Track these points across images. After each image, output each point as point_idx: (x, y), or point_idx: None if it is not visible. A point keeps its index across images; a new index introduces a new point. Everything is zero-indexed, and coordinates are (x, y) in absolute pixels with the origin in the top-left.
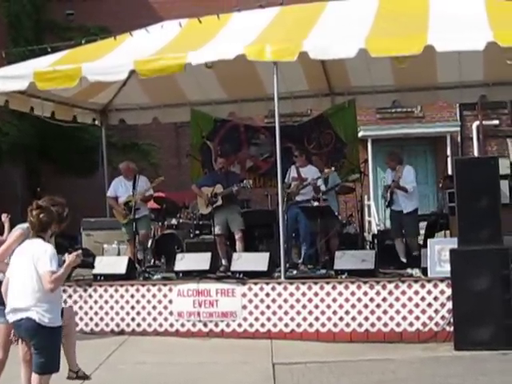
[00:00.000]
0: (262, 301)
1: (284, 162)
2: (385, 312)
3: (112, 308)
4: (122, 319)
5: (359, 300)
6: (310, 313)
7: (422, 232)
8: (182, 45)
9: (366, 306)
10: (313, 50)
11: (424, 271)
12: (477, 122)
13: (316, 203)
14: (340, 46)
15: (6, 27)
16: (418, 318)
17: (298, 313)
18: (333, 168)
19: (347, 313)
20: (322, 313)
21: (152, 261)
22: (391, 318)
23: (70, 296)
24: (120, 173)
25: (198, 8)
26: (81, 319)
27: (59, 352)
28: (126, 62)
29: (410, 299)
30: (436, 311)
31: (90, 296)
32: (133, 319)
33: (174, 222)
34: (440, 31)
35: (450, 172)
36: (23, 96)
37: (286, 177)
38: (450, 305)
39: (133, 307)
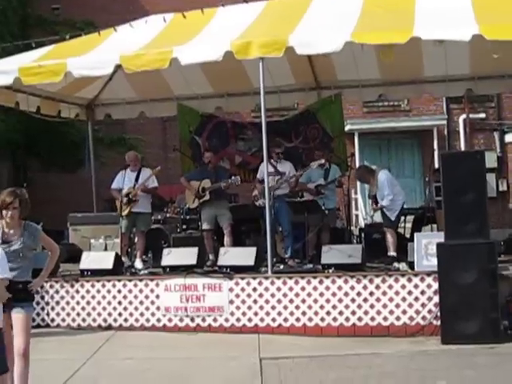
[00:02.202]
0: (248, 295)
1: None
2: (372, 306)
3: (99, 303)
4: (109, 314)
5: (346, 294)
6: (297, 307)
7: (409, 226)
8: (168, 40)
9: (353, 300)
10: (299, 45)
11: (411, 265)
12: (463, 116)
13: (305, 198)
14: (326, 41)
15: None
16: (405, 311)
17: (285, 307)
18: (323, 160)
19: (334, 307)
20: (309, 307)
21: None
22: (378, 312)
23: (56, 291)
24: (109, 167)
25: (184, 2)
26: (68, 315)
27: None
28: (111, 57)
29: (396, 293)
30: (423, 305)
31: (77, 291)
32: (120, 314)
33: (160, 216)
34: (426, 25)
35: (436, 165)
36: (9, 91)
37: (259, 173)
38: (436, 299)
39: (120, 302)
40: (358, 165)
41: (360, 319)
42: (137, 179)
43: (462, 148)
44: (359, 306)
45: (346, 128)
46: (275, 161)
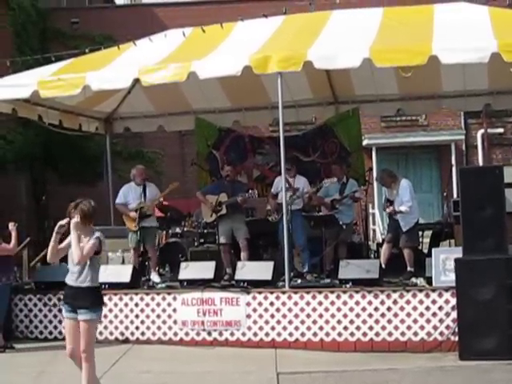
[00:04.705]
0: (266, 310)
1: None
2: (389, 321)
3: (116, 316)
4: (127, 328)
5: (364, 309)
6: (315, 322)
7: (427, 241)
8: (186, 54)
9: (370, 315)
10: (317, 59)
11: (429, 280)
12: (481, 131)
13: (322, 212)
14: (345, 56)
15: (12, 36)
16: (422, 327)
17: (303, 322)
18: (334, 178)
19: (352, 322)
20: (327, 322)
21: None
22: (396, 328)
23: None
24: (127, 180)
25: (203, 17)
26: None
27: None
28: (129, 71)
29: (414, 308)
30: (441, 321)
31: None
32: (137, 328)
33: (178, 230)
34: (445, 41)
35: (454, 180)
36: (29, 104)
37: (273, 187)
38: (454, 314)
39: (137, 316)
40: (375, 179)
41: (377, 334)
42: (144, 193)
43: (480, 163)
44: (377, 321)
45: (364, 143)
46: (290, 176)
